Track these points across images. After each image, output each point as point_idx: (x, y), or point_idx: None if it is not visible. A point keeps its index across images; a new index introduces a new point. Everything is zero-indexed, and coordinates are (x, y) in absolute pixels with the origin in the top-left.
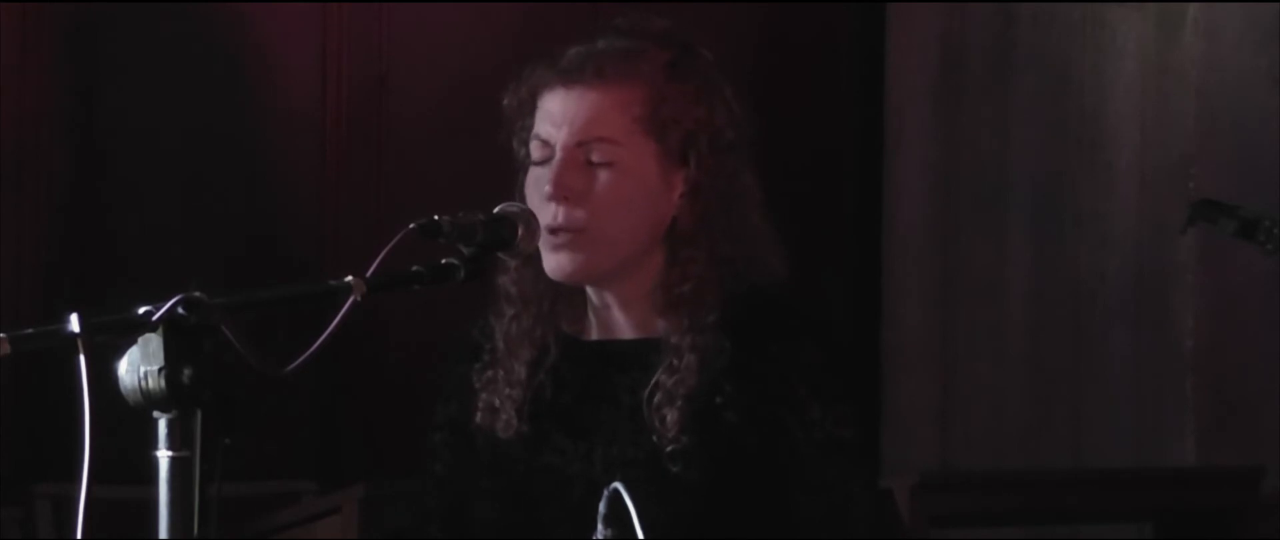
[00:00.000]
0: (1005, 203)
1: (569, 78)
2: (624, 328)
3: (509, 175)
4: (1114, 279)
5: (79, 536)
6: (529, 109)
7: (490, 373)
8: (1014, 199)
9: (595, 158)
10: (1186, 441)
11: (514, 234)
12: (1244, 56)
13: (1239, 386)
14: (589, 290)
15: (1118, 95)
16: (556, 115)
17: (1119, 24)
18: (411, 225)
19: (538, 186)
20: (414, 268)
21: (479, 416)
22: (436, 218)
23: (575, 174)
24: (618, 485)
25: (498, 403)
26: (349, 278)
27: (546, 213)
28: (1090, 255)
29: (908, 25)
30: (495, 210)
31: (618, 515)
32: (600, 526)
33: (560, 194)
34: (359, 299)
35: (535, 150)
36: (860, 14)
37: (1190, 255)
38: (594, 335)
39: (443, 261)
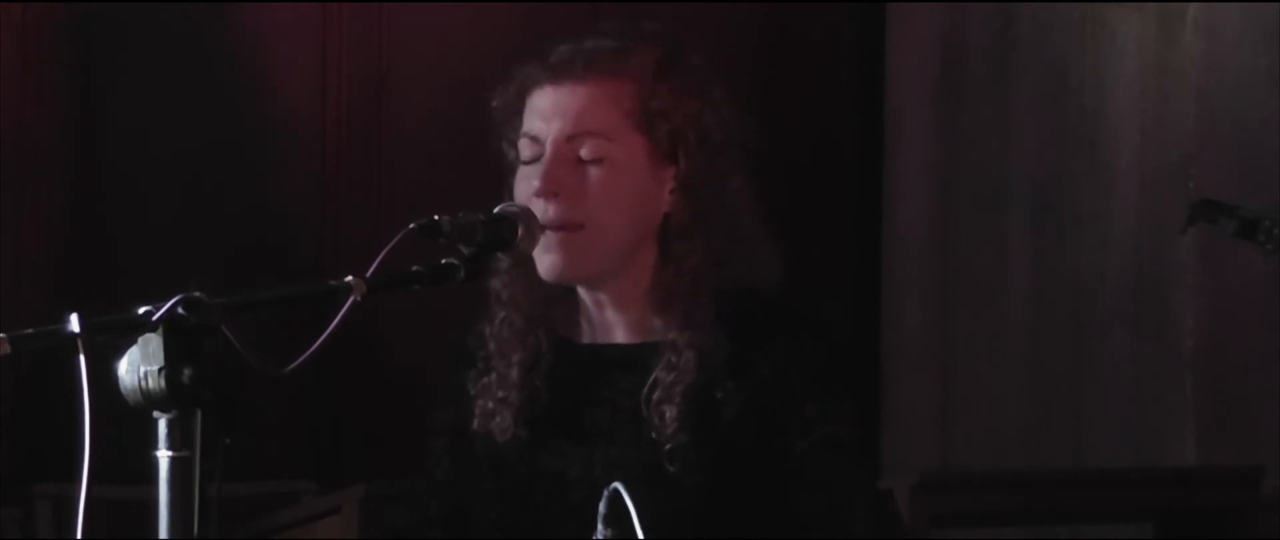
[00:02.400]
0: (1005, 203)
1: (558, 74)
2: (619, 329)
3: (508, 176)
4: (1114, 279)
5: (79, 536)
6: (517, 108)
7: (485, 379)
8: (1014, 199)
9: (585, 154)
10: (1186, 441)
11: (514, 234)
12: (1244, 56)
13: (1239, 386)
14: (582, 292)
15: (1118, 95)
16: (546, 111)
17: (1119, 24)
18: (411, 225)
19: (527, 183)
20: (414, 268)
21: (476, 422)
22: (436, 218)
23: (565, 169)
24: (618, 485)
25: (493, 406)
26: (349, 278)
27: (535, 210)
28: (1090, 255)
29: (908, 25)
30: (495, 210)
31: (618, 515)
32: (600, 526)
33: (549, 188)
34: (359, 299)
35: (525, 149)
36: (860, 14)
37: (1190, 255)
38: (588, 339)
39: (443, 261)
